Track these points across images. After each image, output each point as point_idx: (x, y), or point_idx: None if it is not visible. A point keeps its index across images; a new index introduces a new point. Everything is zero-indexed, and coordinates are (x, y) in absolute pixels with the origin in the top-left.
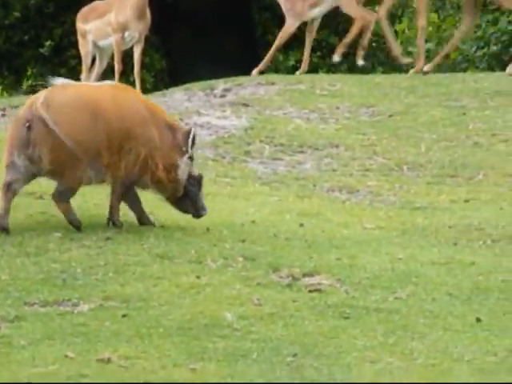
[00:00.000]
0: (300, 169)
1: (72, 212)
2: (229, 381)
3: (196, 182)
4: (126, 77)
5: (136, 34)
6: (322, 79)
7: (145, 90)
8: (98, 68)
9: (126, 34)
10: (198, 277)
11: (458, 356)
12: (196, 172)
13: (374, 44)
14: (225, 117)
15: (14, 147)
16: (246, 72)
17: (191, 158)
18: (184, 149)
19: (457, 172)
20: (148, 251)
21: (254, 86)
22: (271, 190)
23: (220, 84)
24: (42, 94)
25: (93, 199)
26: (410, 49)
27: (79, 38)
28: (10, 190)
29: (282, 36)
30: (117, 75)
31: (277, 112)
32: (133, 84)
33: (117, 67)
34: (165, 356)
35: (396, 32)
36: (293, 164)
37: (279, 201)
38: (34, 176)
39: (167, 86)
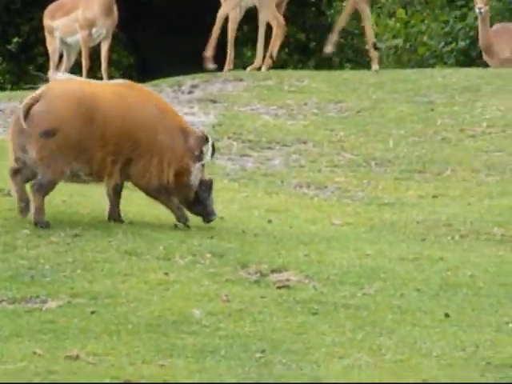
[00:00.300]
0: (268, 165)
1: (42, 211)
2: (197, 377)
3: (206, 187)
4: (94, 73)
5: (103, 30)
6: (290, 75)
7: None
8: (65, 65)
9: (94, 30)
10: (166, 273)
11: (426, 351)
12: (206, 177)
13: (342, 40)
14: (192, 113)
15: (13, 139)
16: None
17: (203, 164)
18: (196, 153)
19: (425, 168)
20: (116, 248)
21: (221, 82)
22: (239, 187)
23: (188, 80)
24: (42, 87)
25: (61, 196)
26: (378, 45)
27: (46, 34)
28: (17, 174)
29: (230, 27)
30: (84, 72)
31: (245, 108)
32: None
33: (84, 64)
34: (133, 352)
35: (363, 28)
36: (261, 160)
37: (247, 197)
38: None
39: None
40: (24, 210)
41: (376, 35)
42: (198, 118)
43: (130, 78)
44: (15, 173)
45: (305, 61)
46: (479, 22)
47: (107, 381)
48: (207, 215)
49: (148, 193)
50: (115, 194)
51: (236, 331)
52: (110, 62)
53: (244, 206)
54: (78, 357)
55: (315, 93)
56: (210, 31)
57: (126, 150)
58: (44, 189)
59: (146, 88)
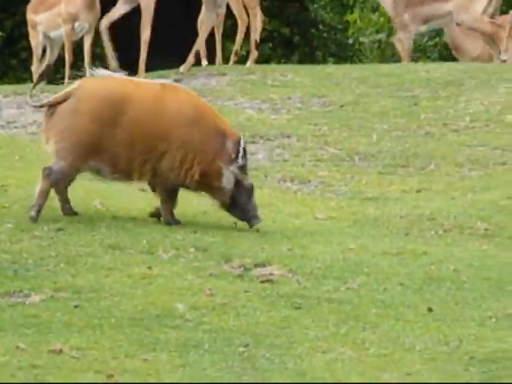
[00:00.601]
0: (252, 159)
1: (44, 199)
2: (180, 371)
3: (245, 191)
4: (78, 68)
5: (86, 24)
6: (274, 70)
7: None
8: (48, 59)
9: (76, 24)
10: (149, 267)
11: (409, 346)
12: (246, 182)
13: (325, 35)
14: None
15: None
16: (197, 63)
17: (242, 167)
18: (233, 156)
19: (408, 162)
20: (99, 242)
21: (205, 76)
22: None
23: (171, 74)
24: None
25: None
26: (361, 39)
27: (29, 29)
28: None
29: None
30: (67, 66)
31: (228, 102)
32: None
33: (67, 58)
34: (116, 346)
35: (348, 22)
36: None
37: None
38: None
39: None
40: (65, 208)
41: (359, 29)
42: None
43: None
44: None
45: (288, 55)
46: None
47: (90, 375)
48: (248, 220)
49: (160, 189)
50: (165, 195)
51: (219, 325)
52: (94, 57)
53: None
54: (61, 351)
55: (299, 87)
56: (192, 24)
57: (155, 151)
58: (54, 177)
59: (184, 88)
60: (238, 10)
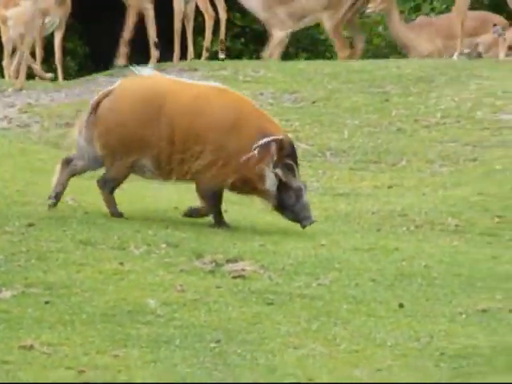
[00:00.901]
0: None
1: (113, 203)
2: (152, 367)
3: (293, 192)
4: (49, 64)
5: (56, 19)
6: (246, 65)
7: (69, 77)
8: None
9: (47, 19)
10: (121, 263)
11: (380, 341)
12: (294, 183)
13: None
14: None
15: (79, 126)
16: (169, 58)
17: (288, 169)
18: (275, 158)
19: (380, 158)
20: (71, 237)
21: (177, 71)
22: None
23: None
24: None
25: (15, 185)
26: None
27: (0, 24)
28: (69, 164)
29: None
30: (38, 61)
31: None
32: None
33: (38, 53)
34: (88, 343)
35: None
36: None
37: None
38: (95, 162)
39: (91, 73)
40: (53, 201)
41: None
42: None
43: (86, 67)
44: (67, 162)
45: (260, 51)
46: (386, 19)
47: (61, 371)
48: (299, 222)
49: (200, 191)
50: (206, 198)
51: (191, 321)
52: (65, 52)
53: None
54: (32, 347)
55: (270, 83)
56: (165, 19)
57: (193, 151)
58: (108, 186)
59: (234, 92)
60: (203, 6)
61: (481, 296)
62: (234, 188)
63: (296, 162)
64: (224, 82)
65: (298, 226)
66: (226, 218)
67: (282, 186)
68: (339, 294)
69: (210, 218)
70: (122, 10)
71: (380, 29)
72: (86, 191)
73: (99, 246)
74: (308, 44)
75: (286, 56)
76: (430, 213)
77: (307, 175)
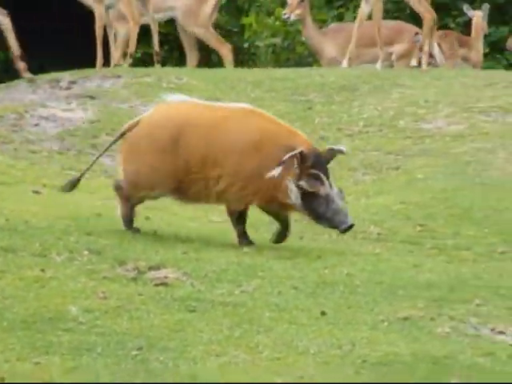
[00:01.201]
0: None
1: (125, 210)
2: (73, 374)
3: (323, 200)
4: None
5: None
6: (169, 72)
7: None
8: None
9: None
10: (42, 270)
11: (303, 349)
12: (323, 190)
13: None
14: (70, 109)
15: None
16: (92, 65)
17: (316, 177)
18: (296, 172)
19: None
20: None
21: (99, 78)
22: None
23: (66, 76)
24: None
25: None
26: (257, 43)
27: None
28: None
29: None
30: None
31: (123, 105)
32: None
33: None
34: (8, 350)
35: (243, 26)
36: None
37: None
38: None
39: (12, 78)
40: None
41: (255, 33)
42: (75, 115)
43: (7, 73)
44: (118, 188)
45: (184, 58)
46: (301, 25)
47: None
48: (336, 228)
49: (228, 211)
50: (233, 218)
51: (113, 328)
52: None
53: None
54: None
55: (194, 90)
56: (88, 26)
57: (212, 176)
58: (123, 193)
59: (259, 111)
60: (129, 12)
61: (402, 304)
62: (262, 207)
63: (323, 170)
64: (147, 88)
65: (221, 233)
66: (148, 225)
67: (311, 196)
68: (262, 301)
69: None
70: (43, 19)
71: (303, 37)
72: (6, 197)
73: (20, 253)
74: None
75: (210, 64)
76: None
77: None
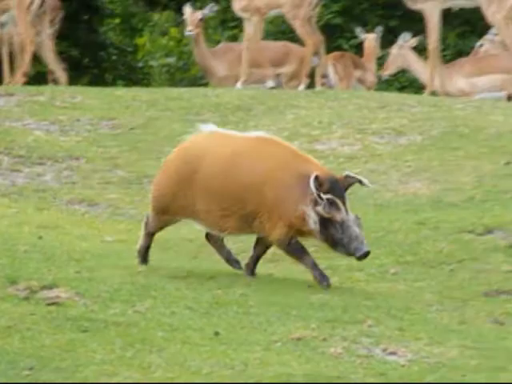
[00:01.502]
0: (40, 181)
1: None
2: None
3: (339, 226)
4: None
5: None
6: (63, 91)
7: None
8: None
9: None
10: None
11: (195, 369)
12: (338, 216)
13: (115, 57)
14: None
15: None
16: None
17: (332, 203)
18: (312, 197)
19: None
20: None
21: None
22: (10, 202)
23: None
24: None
25: None
26: (151, 63)
27: None
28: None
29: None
30: None
31: (16, 123)
32: None
33: None
34: None
35: (137, 45)
36: (32, 176)
37: (18, 213)
38: None
39: None
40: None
41: (149, 53)
42: None
43: None
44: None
45: (78, 77)
46: (192, 44)
47: None
48: (353, 254)
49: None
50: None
51: (4, 348)
52: None
53: (14, 222)
54: None
55: (88, 109)
56: None
57: (234, 207)
58: (148, 226)
59: (273, 140)
60: (23, 28)
61: (296, 324)
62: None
63: (340, 195)
64: (41, 107)
65: (114, 253)
66: (41, 244)
67: (327, 222)
68: (155, 321)
69: (27, 246)
70: None
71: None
72: None
73: None
74: (125, 71)
75: (103, 83)
76: (247, 241)
77: (124, 202)
